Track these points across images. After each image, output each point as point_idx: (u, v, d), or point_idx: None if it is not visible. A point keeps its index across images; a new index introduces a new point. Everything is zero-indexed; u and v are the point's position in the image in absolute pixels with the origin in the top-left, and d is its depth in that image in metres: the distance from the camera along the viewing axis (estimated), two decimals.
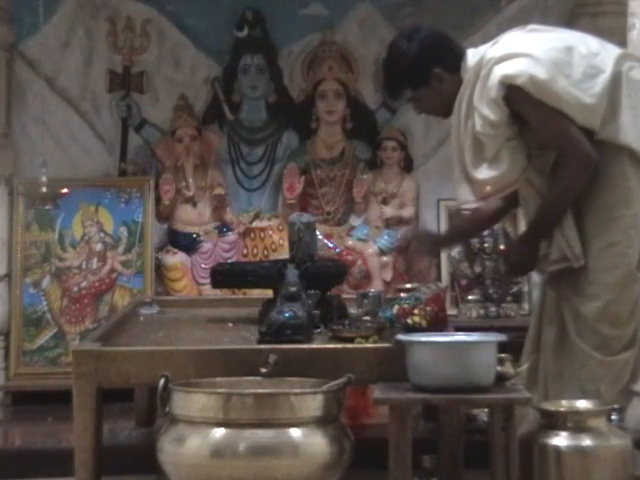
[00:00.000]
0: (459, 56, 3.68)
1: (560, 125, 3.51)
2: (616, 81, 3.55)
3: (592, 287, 3.56)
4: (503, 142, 3.57)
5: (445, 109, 3.71)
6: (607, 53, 3.60)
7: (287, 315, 3.47)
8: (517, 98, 3.51)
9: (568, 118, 3.50)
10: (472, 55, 3.67)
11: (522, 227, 6.26)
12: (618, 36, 4.79)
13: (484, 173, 3.60)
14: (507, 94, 3.51)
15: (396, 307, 3.59)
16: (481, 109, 3.54)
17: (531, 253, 3.66)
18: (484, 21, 6.51)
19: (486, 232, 6.10)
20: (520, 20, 6.29)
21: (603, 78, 3.53)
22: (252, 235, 6.52)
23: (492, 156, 3.58)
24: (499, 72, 3.51)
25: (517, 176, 3.61)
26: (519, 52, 3.55)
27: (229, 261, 6.27)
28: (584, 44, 3.61)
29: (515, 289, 6.18)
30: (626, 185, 3.56)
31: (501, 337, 3.17)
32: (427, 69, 3.66)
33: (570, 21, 6.15)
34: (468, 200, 3.72)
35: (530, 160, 3.61)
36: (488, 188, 3.64)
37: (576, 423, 3.17)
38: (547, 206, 3.59)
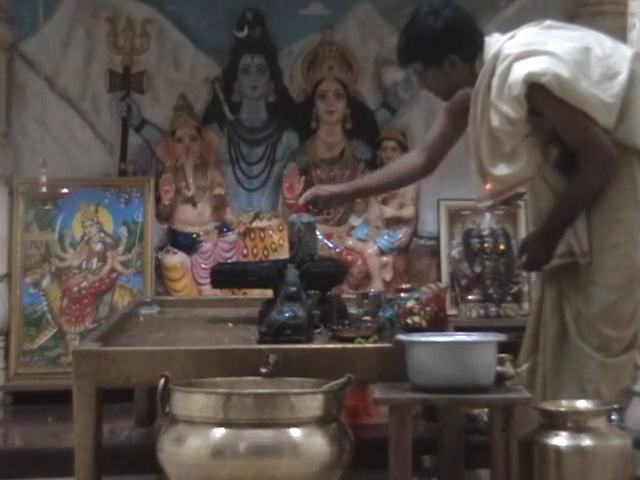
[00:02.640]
0: (477, 47, 3.62)
1: (582, 124, 3.49)
2: (630, 83, 3.54)
3: (595, 288, 3.54)
4: (520, 138, 3.54)
5: (447, 92, 3.69)
6: (620, 54, 3.59)
7: (287, 315, 3.47)
8: (539, 96, 3.47)
9: (589, 118, 3.48)
10: (488, 48, 3.61)
11: (522, 226, 6.28)
12: (618, 36, 4.78)
13: (501, 170, 3.58)
14: (528, 92, 3.47)
15: (396, 307, 3.59)
16: (500, 106, 3.50)
17: (548, 248, 3.62)
18: (484, 21, 6.46)
19: (486, 232, 6.11)
20: (520, 20, 6.28)
21: (621, 79, 3.51)
22: (252, 235, 6.52)
23: (509, 152, 3.56)
24: (522, 70, 3.47)
25: (533, 172, 3.58)
26: (540, 49, 3.51)
27: (229, 261, 6.27)
28: (599, 44, 3.59)
29: (515, 289, 6.18)
30: (634, 187, 3.56)
31: (501, 337, 3.17)
32: (444, 52, 3.60)
33: (570, 21, 6.13)
34: (484, 197, 3.70)
35: (544, 156, 3.60)
36: (503, 185, 3.62)
37: (576, 423, 3.17)
38: (567, 202, 3.57)
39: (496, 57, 3.56)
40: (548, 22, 3.71)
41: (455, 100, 3.79)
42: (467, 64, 3.62)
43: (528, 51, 3.52)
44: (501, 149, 3.57)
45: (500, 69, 3.53)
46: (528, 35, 3.63)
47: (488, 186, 3.67)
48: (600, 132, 3.49)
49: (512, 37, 3.63)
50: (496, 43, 3.62)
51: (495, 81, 3.54)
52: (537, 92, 3.46)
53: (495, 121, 3.53)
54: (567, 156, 3.57)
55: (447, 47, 3.60)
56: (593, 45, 3.57)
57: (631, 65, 3.56)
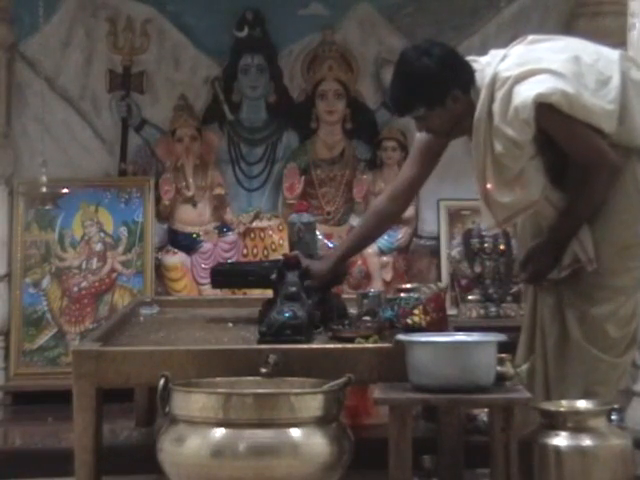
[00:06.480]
0: (471, 76, 3.55)
1: (589, 138, 3.46)
2: (623, 85, 3.52)
3: (604, 291, 3.53)
4: (526, 161, 3.49)
5: (450, 130, 3.61)
6: (605, 57, 3.57)
7: (287, 315, 3.48)
8: (547, 116, 3.41)
9: (594, 129, 3.46)
10: (479, 74, 3.55)
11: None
12: (618, 36, 4.78)
13: (507, 196, 3.53)
14: (536, 113, 3.40)
15: (396, 307, 3.59)
16: (505, 131, 3.44)
17: (552, 260, 3.60)
18: (484, 21, 6.49)
19: (486, 232, 6.11)
20: (520, 20, 6.30)
21: (615, 83, 3.50)
22: (252, 235, 6.52)
23: (514, 177, 3.51)
24: (528, 92, 3.41)
25: (539, 195, 3.54)
26: (537, 68, 3.46)
27: (229, 261, 6.28)
28: (583, 51, 3.57)
29: (515, 289, 6.18)
30: (636, 187, 3.54)
31: (501, 337, 3.17)
32: (447, 89, 3.51)
33: (570, 21, 6.15)
34: (491, 224, 3.68)
35: (548, 177, 3.55)
36: (510, 211, 3.59)
37: (576, 423, 3.17)
38: (573, 215, 3.54)
39: (493, 82, 3.49)
40: (531, 37, 3.66)
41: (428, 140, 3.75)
42: (466, 95, 3.54)
43: (526, 71, 3.46)
44: (506, 175, 3.51)
45: (500, 94, 3.47)
46: (519, 54, 3.57)
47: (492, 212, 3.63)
48: (604, 144, 3.47)
49: (504, 58, 3.56)
50: (488, 67, 3.55)
51: (496, 106, 3.47)
52: (545, 112, 3.41)
53: (500, 147, 3.47)
54: (556, 169, 3.56)
55: (449, 83, 3.51)
56: (580, 53, 3.55)
57: (620, 67, 3.55)
